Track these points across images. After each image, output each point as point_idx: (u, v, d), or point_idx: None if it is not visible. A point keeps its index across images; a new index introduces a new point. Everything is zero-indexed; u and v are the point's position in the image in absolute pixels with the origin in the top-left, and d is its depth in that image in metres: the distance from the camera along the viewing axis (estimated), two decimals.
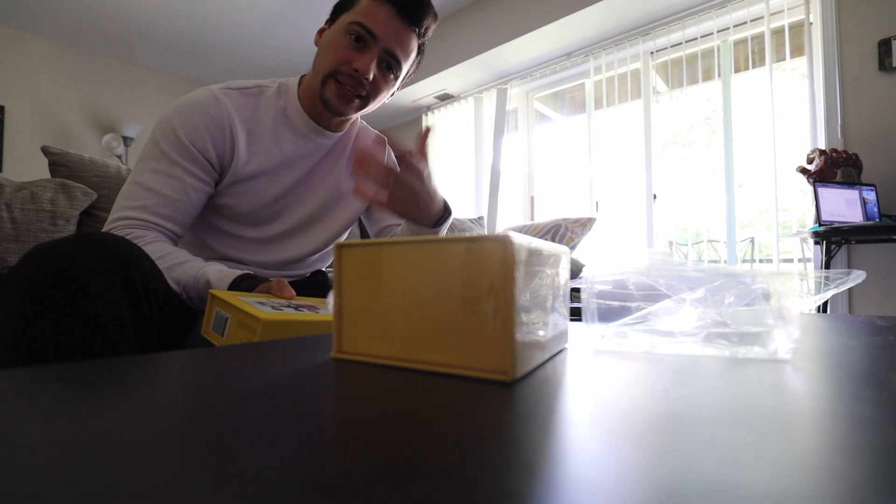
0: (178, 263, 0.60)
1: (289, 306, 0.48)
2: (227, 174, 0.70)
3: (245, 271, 0.59)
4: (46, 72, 3.28)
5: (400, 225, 0.86)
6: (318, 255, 0.84)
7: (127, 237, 0.59)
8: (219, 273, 0.58)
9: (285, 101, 0.74)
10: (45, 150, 1.09)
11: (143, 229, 0.63)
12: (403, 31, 0.69)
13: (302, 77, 0.76)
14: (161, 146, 0.66)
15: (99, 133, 3.51)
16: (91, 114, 3.49)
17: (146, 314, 0.49)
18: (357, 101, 0.71)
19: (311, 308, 0.50)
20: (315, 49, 0.73)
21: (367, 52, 0.68)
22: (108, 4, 2.93)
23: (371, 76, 0.68)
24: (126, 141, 3.45)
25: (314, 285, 0.82)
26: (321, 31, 0.73)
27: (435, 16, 0.73)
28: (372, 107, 0.74)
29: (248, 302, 0.45)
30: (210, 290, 0.49)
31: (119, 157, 3.43)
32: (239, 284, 0.56)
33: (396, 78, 0.73)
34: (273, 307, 0.46)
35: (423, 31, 0.72)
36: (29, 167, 3.07)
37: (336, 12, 0.71)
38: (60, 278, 0.42)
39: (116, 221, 0.63)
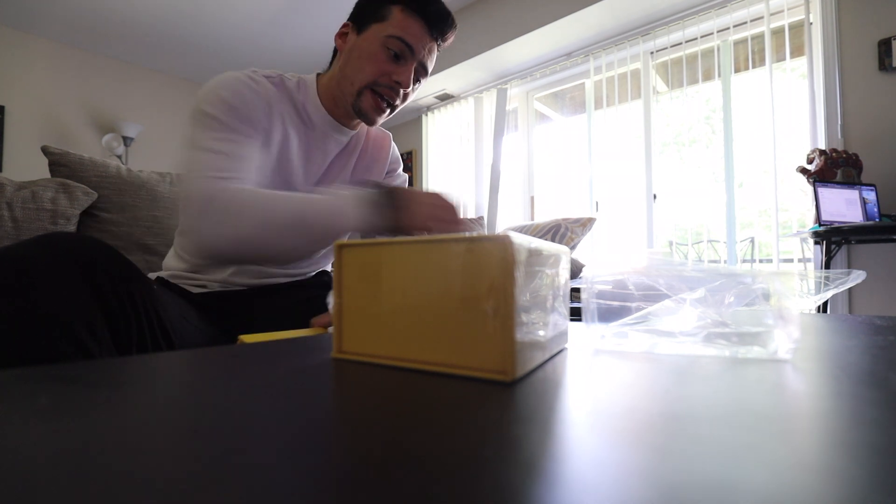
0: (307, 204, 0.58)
1: None
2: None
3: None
4: (46, 72, 3.28)
5: None
6: (323, 252, 0.84)
7: (227, 191, 0.57)
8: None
9: (304, 97, 0.74)
10: (45, 150, 1.08)
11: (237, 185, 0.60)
12: (431, 45, 0.72)
13: (318, 75, 0.76)
14: (214, 115, 0.62)
15: (99, 133, 3.51)
16: (91, 114, 3.49)
17: (120, 317, 0.46)
18: (388, 110, 0.74)
19: None
20: (328, 49, 0.75)
21: (405, 66, 0.70)
22: (108, 4, 2.93)
23: (410, 88, 0.72)
24: (126, 141, 3.45)
25: (319, 285, 0.82)
26: (343, 35, 0.73)
27: (455, 27, 0.76)
28: (394, 113, 0.77)
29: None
30: (240, 336, 0.47)
31: (119, 157, 3.42)
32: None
33: (418, 86, 0.77)
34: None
35: (444, 42, 0.75)
36: (29, 167, 3.06)
37: (364, 19, 0.70)
38: (17, 279, 0.39)
39: (207, 181, 0.58)
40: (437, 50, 0.75)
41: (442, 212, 0.57)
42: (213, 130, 0.62)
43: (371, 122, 0.74)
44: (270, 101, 0.69)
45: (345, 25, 0.73)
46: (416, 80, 0.74)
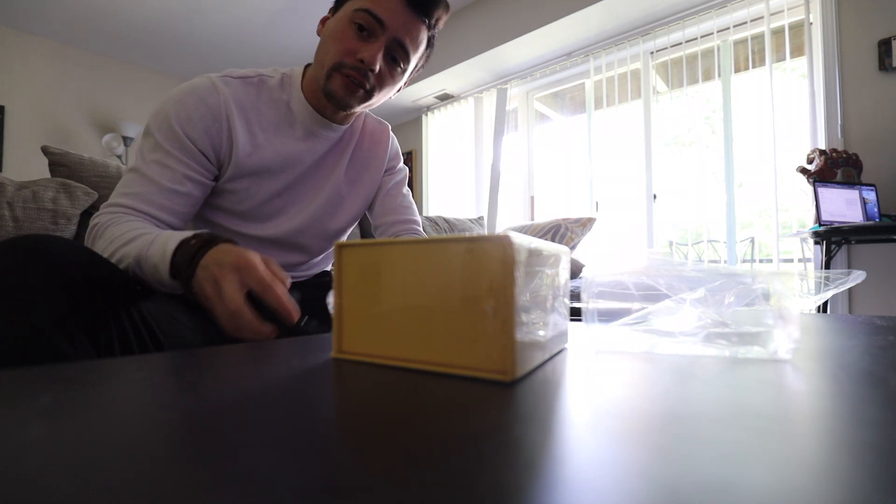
0: (130, 240, 0.55)
1: None
2: (226, 168, 0.68)
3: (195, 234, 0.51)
4: (46, 72, 3.28)
5: (407, 223, 0.85)
6: (322, 255, 0.83)
7: (109, 221, 0.57)
8: (162, 246, 0.51)
9: (289, 93, 0.71)
10: (45, 150, 1.08)
11: (129, 216, 0.60)
12: (413, 21, 0.65)
13: (306, 67, 0.73)
14: (156, 136, 0.63)
15: (99, 133, 3.51)
16: (91, 114, 3.49)
17: (97, 318, 0.45)
18: (362, 92, 0.67)
19: None
20: (318, 39, 0.70)
21: (373, 42, 0.64)
22: (108, 4, 2.93)
23: (377, 67, 0.65)
24: (126, 141, 3.45)
25: (319, 286, 0.81)
26: (324, 20, 0.70)
27: (447, 7, 0.69)
28: (377, 100, 0.71)
29: None
30: None
31: (119, 157, 3.43)
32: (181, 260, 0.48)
33: (404, 71, 0.69)
34: None
35: (433, 22, 0.68)
36: (29, 167, 3.07)
37: (340, 1, 0.67)
38: None
39: (107, 208, 0.61)
40: (428, 31, 0.68)
41: (229, 314, 0.44)
42: (151, 151, 0.63)
43: (343, 106, 0.68)
44: (232, 110, 0.66)
45: (329, 11, 0.70)
46: (396, 62, 0.67)
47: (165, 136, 0.63)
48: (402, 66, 0.68)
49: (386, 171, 0.86)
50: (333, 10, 0.69)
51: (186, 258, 0.48)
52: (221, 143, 0.67)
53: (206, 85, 0.66)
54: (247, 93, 0.69)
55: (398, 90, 0.74)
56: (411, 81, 0.75)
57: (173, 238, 0.51)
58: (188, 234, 0.51)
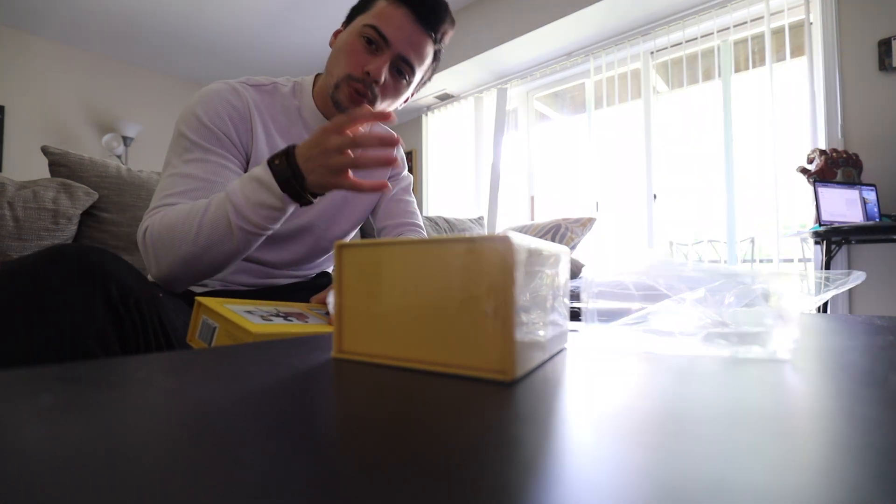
0: (207, 206, 0.58)
1: (278, 315, 0.48)
2: (248, 168, 0.69)
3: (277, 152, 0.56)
4: (46, 72, 3.28)
5: (409, 226, 0.86)
6: (325, 256, 0.84)
7: (155, 219, 0.58)
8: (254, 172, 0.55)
9: (300, 100, 0.74)
10: (45, 150, 1.08)
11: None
12: (418, 37, 0.67)
13: (317, 76, 0.76)
14: (189, 137, 0.64)
15: (99, 133, 3.51)
16: (91, 114, 3.49)
17: (128, 328, 0.47)
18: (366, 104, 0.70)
19: (300, 317, 0.50)
20: (328, 50, 0.73)
21: (379, 56, 0.67)
22: (108, 4, 2.93)
23: (382, 79, 0.67)
24: (126, 141, 3.45)
25: (320, 287, 0.81)
26: (336, 33, 0.73)
27: (452, 22, 0.72)
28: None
29: (236, 311, 0.44)
30: (196, 297, 0.47)
31: (119, 157, 3.43)
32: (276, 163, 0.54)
33: (409, 84, 0.72)
34: (262, 317, 0.45)
35: (439, 36, 0.71)
36: (29, 167, 3.07)
37: (352, 14, 0.71)
38: (31, 296, 0.40)
39: (154, 210, 0.61)
40: (434, 45, 0.71)
41: (328, 154, 0.52)
42: (186, 152, 0.64)
43: None
44: (253, 113, 0.68)
45: (342, 24, 0.73)
46: (401, 74, 0.69)
47: (199, 134, 0.64)
48: (406, 78, 0.71)
49: (390, 178, 0.87)
50: (346, 24, 0.71)
51: (288, 169, 0.54)
52: (248, 140, 0.69)
53: (228, 88, 0.68)
54: (262, 99, 0.71)
55: (405, 101, 0.76)
56: (417, 91, 0.78)
57: (254, 176, 0.55)
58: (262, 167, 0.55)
